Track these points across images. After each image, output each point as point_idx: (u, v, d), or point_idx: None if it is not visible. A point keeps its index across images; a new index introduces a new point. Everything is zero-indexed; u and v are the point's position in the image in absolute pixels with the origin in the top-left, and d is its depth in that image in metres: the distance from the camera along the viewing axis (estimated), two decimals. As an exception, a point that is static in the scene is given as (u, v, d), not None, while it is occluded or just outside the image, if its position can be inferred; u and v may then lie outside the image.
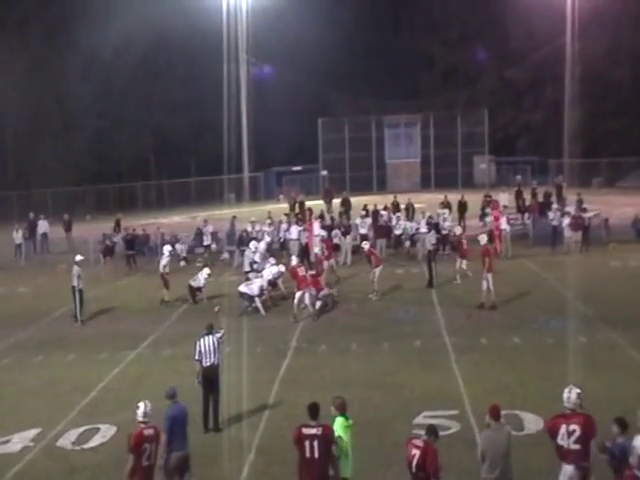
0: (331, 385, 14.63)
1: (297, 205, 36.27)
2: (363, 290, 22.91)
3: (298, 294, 20.23)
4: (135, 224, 33.60)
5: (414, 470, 8.84)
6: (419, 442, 8.94)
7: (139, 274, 28.51)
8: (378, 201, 35.24)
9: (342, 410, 9.40)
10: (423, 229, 28.11)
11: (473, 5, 58.29)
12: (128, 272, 28.76)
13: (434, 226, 28.05)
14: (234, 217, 31.74)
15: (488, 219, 30.27)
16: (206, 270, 22.93)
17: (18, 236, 33.15)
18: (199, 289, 22.69)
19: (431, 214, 29.67)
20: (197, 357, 13.16)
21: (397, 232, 29.70)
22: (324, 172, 53.01)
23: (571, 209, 30.45)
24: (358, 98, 52.85)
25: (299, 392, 14.07)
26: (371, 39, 59.03)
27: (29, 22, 51.90)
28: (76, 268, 21.32)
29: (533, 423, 12.51)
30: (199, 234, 31.32)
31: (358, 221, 30.20)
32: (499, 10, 55.93)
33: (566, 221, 28.78)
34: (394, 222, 30.14)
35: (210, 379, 13.04)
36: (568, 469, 8.95)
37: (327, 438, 8.97)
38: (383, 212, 31.25)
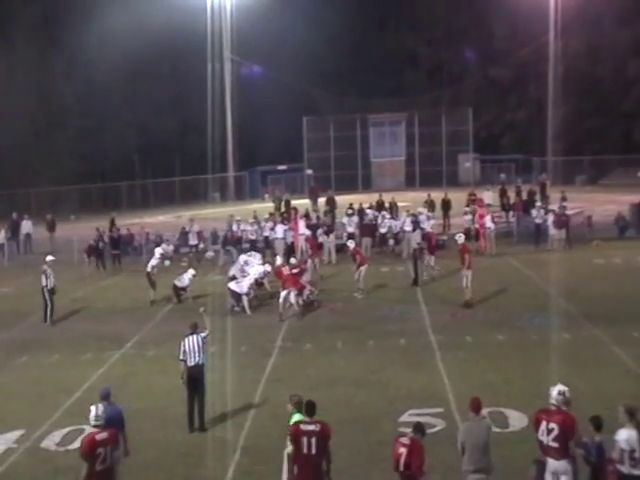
0: (317, 384, 14.65)
1: (282, 204, 36.27)
2: (348, 289, 22.90)
3: (283, 293, 20.21)
4: (120, 224, 33.41)
5: (402, 468, 8.88)
6: (406, 440, 8.99)
7: (123, 274, 28.40)
8: (363, 200, 35.27)
9: (299, 407, 9.53)
10: (408, 227, 28.19)
11: (457, 4, 58.50)
12: (112, 272, 28.64)
13: (418, 224, 28.14)
14: (232, 217, 30.99)
15: (467, 217, 30.32)
16: (191, 271, 22.91)
17: (1, 236, 32.95)
18: (184, 289, 22.64)
19: (414, 212, 29.73)
20: (182, 357, 13.12)
21: (382, 230, 29.76)
22: (309, 171, 52.97)
23: (555, 207, 30.63)
24: (343, 97, 52.85)
25: (284, 391, 13.99)
26: (356, 38, 59.11)
27: (12, 21, 51.52)
28: (45, 267, 21.28)
29: (517, 420, 12.56)
30: (184, 234, 31.22)
31: (345, 220, 30.22)
32: (483, 9, 56.19)
33: (550, 219, 28.96)
34: (379, 220, 30.18)
35: (195, 379, 13.00)
36: (550, 463, 9.06)
37: (324, 435, 9.11)
38: (368, 211, 31.30)
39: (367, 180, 54.66)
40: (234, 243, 28.68)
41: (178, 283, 22.65)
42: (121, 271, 28.81)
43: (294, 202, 35.71)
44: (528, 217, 31.18)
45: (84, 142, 53.72)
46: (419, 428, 9.16)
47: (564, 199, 31.49)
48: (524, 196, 34.21)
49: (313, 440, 9.00)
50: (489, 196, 34.98)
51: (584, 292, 21.47)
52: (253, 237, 29.44)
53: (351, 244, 23.81)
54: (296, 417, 9.45)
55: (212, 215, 33.48)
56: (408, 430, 9.36)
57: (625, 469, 8.61)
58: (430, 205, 32.16)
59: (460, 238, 21.74)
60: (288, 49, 53.05)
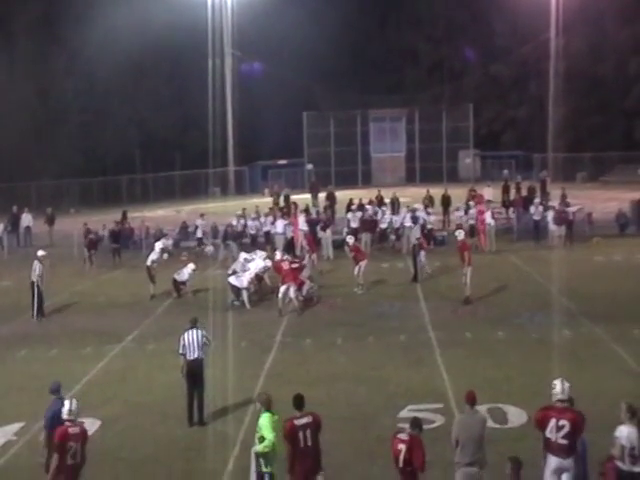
0: (316, 379, 14.67)
1: (282, 199, 36.24)
2: (348, 284, 22.89)
3: (282, 288, 20.19)
4: (120, 218, 33.34)
5: (401, 465, 8.84)
6: (404, 436, 8.95)
7: (123, 268, 28.39)
8: (363, 195, 35.23)
9: (267, 406, 9.56)
10: (408, 223, 28.14)
11: (458, 1, 58.43)
12: (112, 266, 28.64)
13: (417, 220, 28.09)
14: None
15: (459, 213, 30.28)
16: (191, 265, 22.90)
17: (0, 229, 32.92)
18: (183, 283, 22.64)
19: (413, 207, 29.65)
20: (181, 351, 13.13)
21: (383, 226, 29.73)
22: (309, 166, 52.98)
23: (555, 203, 30.61)
24: (343, 92, 52.80)
25: (284, 386, 14.03)
26: (357, 34, 59.04)
27: (13, 17, 51.45)
28: (36, 263, 21.15)
29: (517, 417, 12.58)
30: (184, 228, 31.17)
31: (349, 215, 30.14)
32: (484, 6, 56.14)
33: (550, 215, 28.93)
34: (380, 216, 30.15)
35: (194, 373, 13.00)
36: (553, 460, 9.03)
37: (317, 424, 9.25)
38: (368, 206, 31.26)
39: (367, 176, 54.64)
40: (234, 238, 28.66)
41: (178, 277, 22.64)
42: (121, 265, 28.80)
43: (294, 197, 35.68)
44: (528, 214, 31.14)
45: (85, 137, 53.66)
46: (416, 423, 9.13)
47: (564, 196, 31.46)
48: (524, 193, 34.19)
49: (308, 432, 9.13)
50: (489, 192, 34.94)
51: (584, 289, 21.45)
52: (253, 232, 29.45)
53: (351, 240, 23.76)
54: (265, 417, 9.46)
55: (212, 210, 33.42)
56: (406, 426, 9.35)
57: (625, 466, 8.63)
58: (429, 201, 32.12)
59: (460, 234, 21.71)
60: (289, 45, 53.00)
